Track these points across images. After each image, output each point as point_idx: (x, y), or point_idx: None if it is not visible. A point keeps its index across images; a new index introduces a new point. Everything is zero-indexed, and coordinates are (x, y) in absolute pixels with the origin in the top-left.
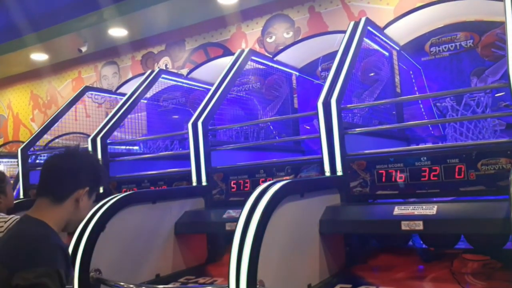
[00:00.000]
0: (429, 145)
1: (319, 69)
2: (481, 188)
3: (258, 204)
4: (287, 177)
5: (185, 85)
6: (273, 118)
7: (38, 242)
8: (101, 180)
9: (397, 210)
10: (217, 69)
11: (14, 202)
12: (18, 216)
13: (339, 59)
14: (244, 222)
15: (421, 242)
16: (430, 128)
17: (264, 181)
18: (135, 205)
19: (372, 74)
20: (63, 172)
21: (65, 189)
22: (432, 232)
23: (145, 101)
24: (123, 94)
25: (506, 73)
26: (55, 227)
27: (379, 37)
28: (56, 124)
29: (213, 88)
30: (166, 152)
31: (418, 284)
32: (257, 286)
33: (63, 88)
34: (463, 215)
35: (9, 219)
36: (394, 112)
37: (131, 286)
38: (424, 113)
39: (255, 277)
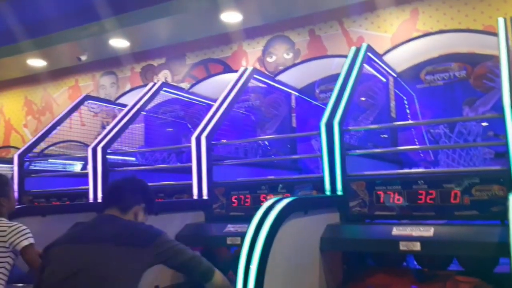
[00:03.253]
0: (427, 170)
1: (317, 91)
2: (475, 213)
3: (266, 219)
4: (288, 194)
5: (186, 99)
6: (276, 136)
7: (145, 226)
8: (153, 202)
9: (396, 231)
10: (218, 85)
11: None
12: (21, 224)
13: (341, 82)
14: (252, 237)
15: (416, 263)
16: (422, 154)
17: (265, 197)
18: None
19: (364, 99)
20: (126, 191)
21: (127, 203)
22: (428, 253)
23: (144, 113)
24: (123, 105)
25: (497, 103)
26: None
27: (377, 63)
28: (53, 132)
29: (216, 104)
30: (170, 165)
31: None
32: None
33: (59, 95)
34: (458, 238)
35: (13, 226)
36: (385, 136)
37: None
38: (415, 138)
39: None
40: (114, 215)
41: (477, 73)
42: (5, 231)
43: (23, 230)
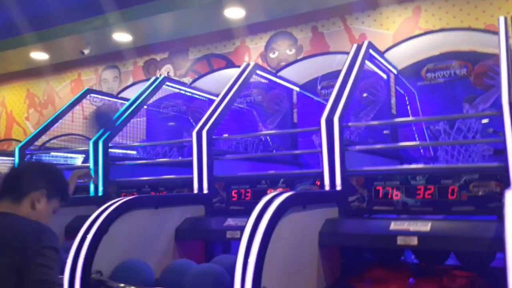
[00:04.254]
0: (426, 165)
1: (319, 87)
2: (472, 208)
3: (265, 213)
4: (287, 189)
5: (188, 93)
6: (277, 131)
7: (35, 226)
8: (60, 189)
9: (393, 226)
10: (220, 80)
11: None
12: None
13: (342, 79)
14: (251, 230)
15: (413, 257)
16: (422, 151)
17: (265, 192)
18: (138, 210)
19: (365, 95)
20: (21, 175)
21: (21, 189)
22: (426, 248)
23: (145, 107)
24: (126, 99)
25: (497, 101)
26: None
27: (379, 60)
28: (55, 125)
29: (218, 99)
30: (171, 159)
31: None
32: None
33: (61, 88)
34: (455, 233)
35: None
36: (387, 132)
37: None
38: (416, 135)
39: (259, 283)
40: (11, 213)
41: (477, 71)
42: None
43: None
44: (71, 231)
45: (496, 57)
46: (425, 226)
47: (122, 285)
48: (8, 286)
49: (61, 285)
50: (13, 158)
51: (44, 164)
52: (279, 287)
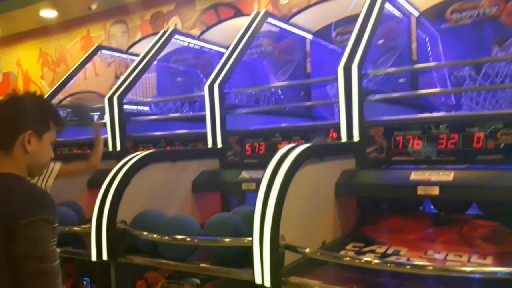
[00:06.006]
0: (451, 113)
1: (334, 34)
2: (499, 157)
3: (282, 165)
4: (302, 141)
5: (197, 46)
6: (290, 82)
7: (25, 195)
8: (46, 120)
9: (414, 176)
10: (229, 30)
11: None
12: None
13: (361, 24)
14: (268, 181)
15: (432, 207)
16: (443, 99)
17: (279, 145)
18: (157, 163)
19: (383, 41)
20: (2, 120)
21: (7, 137)
22: (447, 198)
23: (155, 62)
24: (135, 54)
25: None
26: (24, 176)
27: (399, 2)
28: (70, 82)
29: (228, 51)
30: (184, 114)
31: (428, 245)
32: (279, 240)
33: (72, 46)
34: (480, 182)
35: None
36: (402, 80)
37: (155, 236)
38: (437, 82)
39: (278, 232)
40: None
41: (510, 9)
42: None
43: None
44: (93, 184)
45: None
46: (447, 176)
47: (145, 233)
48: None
49: (52, 259)
50: None
51: (21, 100)
52: (296, 236)
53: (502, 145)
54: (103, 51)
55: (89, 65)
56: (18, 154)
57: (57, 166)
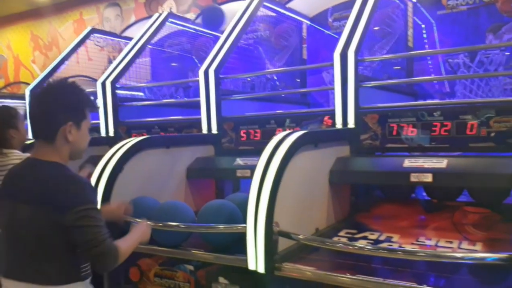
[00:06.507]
0: (444, 101)
1: (330, 19)
2: (491, 144)
3: (276, 152)
4: (297, 128)
5: (192, 30)
6: (286, 68)
7: (70, 184)
8: (83, 109)
9: (407, 163)
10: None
11: (28, 142)
12: None
13: (358, 9)
14: (264, 167)
15: (424, 194)
16: (437, 86)
17: (274, 132)
18: (151, 149)
19: (379, 28)
20: (42, 115)
21: (49, 130)
22: (440, 185)
23: (149, 46)
24: (129, 38)
25: None
26: (66, 163)
27: None
28: (62, 66)
29: (224, 36)
30: (179, 100)
31: (420, 232)
32: (273, 227)
33: (64, 29)
34: (471, 169)
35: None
36: (397, 67)
37: (148, 222)
38: (432, 69)
39: (272, 219)
40: (37, 159)
41: None
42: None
43: None
44: None
45: None
46: (440, 163)
47: (138, 220)
48: (46, 239)
49: (108, 237)
50: (23, 101)
51: (56, 92)
52: (290, 223)
53: (494, 133)
54: (96, 35)
55: (81, 49)
56: (60, 144)
57: None
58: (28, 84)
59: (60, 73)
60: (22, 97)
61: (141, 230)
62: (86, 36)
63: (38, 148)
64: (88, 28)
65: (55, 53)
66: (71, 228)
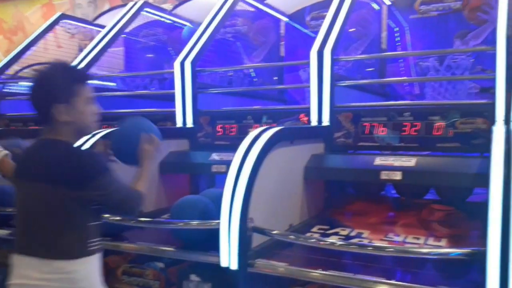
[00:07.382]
0: (417, 102)
1: (308, 18)
2: (457, 145)
3: (253, 147)
4: (274, 124)
5: (169, 21)
6: (264, 64)
7: (81, 159)
8: (70, 86)
9: (378, 161)
10: (203, 7)
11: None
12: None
13: (335, 9)
14: (240, 163)
15: (393, 192)
16: (407, 88)
17: (250, 127)
18: None
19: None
20: (32, 103)
21: (42, 116)
22: (409, 183)
23: (123, 35)
24: (102, 26)
25: (488, 37)
26: (73, 141)
27: None
28: (27, 53)
29: (202, 27)
30: (153, 91)
31: (389, 228)
32: (248, 223)
33: (32, 13)
34: (438, 168)
35: None
36: (371, 69)
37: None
38: (403, 71)
39: (246, 215)
40: (46, 139)
41: (472, 5)
42: None
43: None
44: None
45: None
46: (409, 162)
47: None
48: (58, 215)
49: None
50: None
51: (41, 78)
52: (265, 219)
53: (460, 134)
54: (67, 21)
55: (50, 35)
56: (59, 125)
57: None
58: None
59: (26, 59)
60: None
61: (146, 158)
62: (55, 22)
63: (45, 130)
64: (58, 14)
65: (21, 38)
66: (98, 197)
